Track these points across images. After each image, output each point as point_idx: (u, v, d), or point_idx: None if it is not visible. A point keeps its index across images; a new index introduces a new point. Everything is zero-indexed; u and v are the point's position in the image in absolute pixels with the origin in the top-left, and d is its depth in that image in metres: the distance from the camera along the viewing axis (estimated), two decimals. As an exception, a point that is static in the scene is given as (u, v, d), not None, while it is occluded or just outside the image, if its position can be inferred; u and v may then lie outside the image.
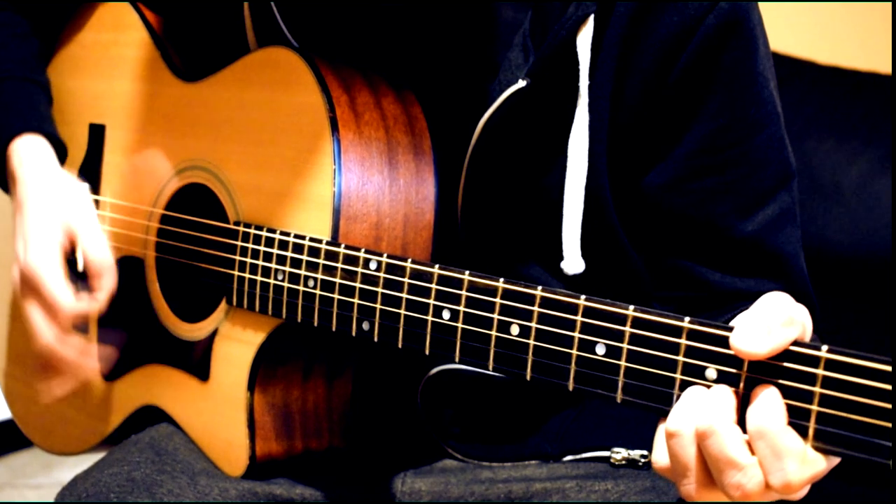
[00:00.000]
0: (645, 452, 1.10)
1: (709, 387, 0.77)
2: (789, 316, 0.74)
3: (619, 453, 1.10)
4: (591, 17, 1.02)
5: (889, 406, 0.67)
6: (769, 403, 0.72)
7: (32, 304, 1.20)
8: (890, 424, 0.67)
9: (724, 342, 0.76)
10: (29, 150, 1.26)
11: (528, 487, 1.10)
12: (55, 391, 1.26)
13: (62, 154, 1.30)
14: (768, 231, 1.07)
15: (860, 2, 2.44)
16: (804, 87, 2.20)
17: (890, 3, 2.36)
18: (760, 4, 1.07)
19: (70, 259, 1.23)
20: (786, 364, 0.72)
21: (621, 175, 1.07)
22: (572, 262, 1.06)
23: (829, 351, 0.70)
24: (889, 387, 0.67)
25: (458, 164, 1.09)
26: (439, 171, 1.09)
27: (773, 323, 0.74)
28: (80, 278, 1.23)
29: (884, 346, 1.87)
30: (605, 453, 1.12)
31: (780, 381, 0.72)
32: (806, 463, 0.71)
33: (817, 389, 0.71)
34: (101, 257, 1.21)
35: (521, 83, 1.03)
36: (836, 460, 0.73)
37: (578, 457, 1.13)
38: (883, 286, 1.99)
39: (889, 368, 0.68)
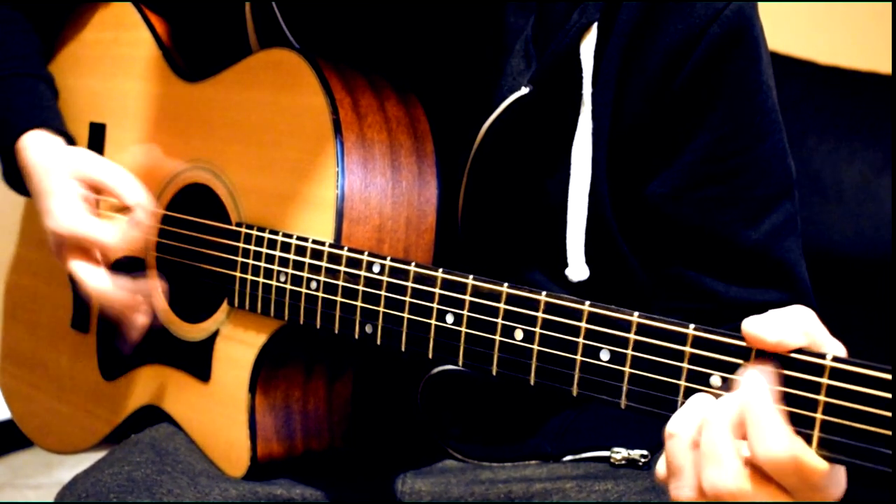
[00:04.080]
0: (645, 452, 1.11)
1: (716, 396, 0.77)
2: (808, 321, 0.74)
3: (620, 453, 1.11)
4: (595, 25, 1.02)
5: (889, 414, 0.67)
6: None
7: (80, 261, 1.20)
8: (890, 433, 0.67)
9: (728, 349, 0.76)
10: (39, 144, 1.26)
11: (528, 487, 1.10)
12: (133, 336, 1.23)
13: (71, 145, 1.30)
14: (773, 239, 1.07)
15: (860, 2, 2.44)
16: (804, 87, 2.20)
17: (890, 3, 2.37)
18: (760, 4, 1.07)
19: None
20: (790, 373, 0.72)
21: (623, 183, 1.07)
22: (577, 269, 1.06)
23: (833, 360, 0.70)
24: (889, 395, 0.67)
25: (460, 168, 1.09)
26: (441, 175, 1.09)
27: (789, 320, 0.73)
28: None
29: (884, 346, 1.87)
30: (606, 453, 1.12)
31: (785, 390, 0.72)
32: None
33: (821, 398, 0.70)
34: (123, 179, 1.20)
35: (524, 90, 1.03)
36: (838, 473, 0.73)
37: (578, 457, 1.13)
38: (883, 286, 1.99)
39: (889, 377, 0.68)
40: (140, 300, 1.20)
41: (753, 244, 1.07)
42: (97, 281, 1.19)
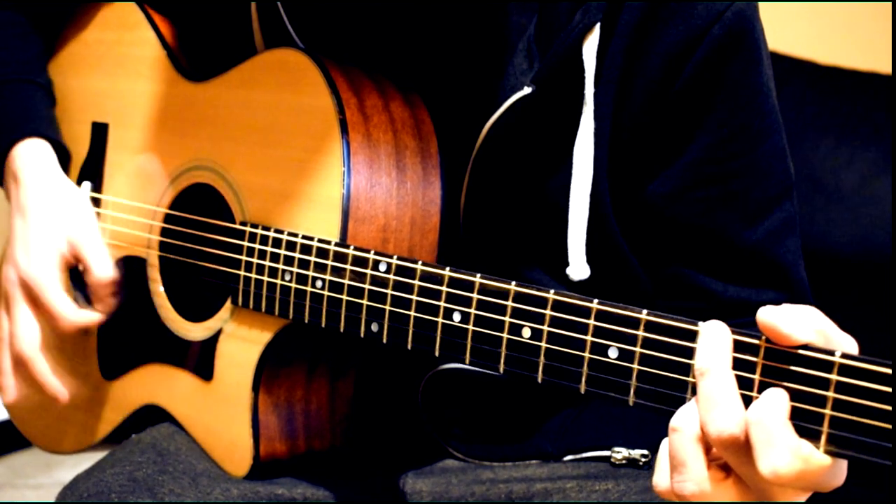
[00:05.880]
0: (646, 452, 1.11)
1: None
2: (819, 320, 0.75)
3: (620, 453, 1.11)
4: (598, 26, 1.02)
5: (889, 408, 0.68)
6: (773, 398, 0.73)
7: (26, 311, 1.22)
8: (890, 426, 0.68)
9: (737, 346, 0.76)
10: (31, 155, 1.26)
11: (528, 487, 1.10)
12: (16, 395, 1.27)
13: (65, 157, 1.30)
14: (772, 240, 1.08)
15: (860, 2, 2.45)
16: (804, 87, 2.20)
17: (890, 3, 2.37)
18: (761, 4, 1.07)
19: (72, 271, 1.24)
20: (800, 369, 0.72)
21: (623, 182, 1.07)
22: (577, 268, 1.06)
23: (842, 356, 0.71)
24: (889, 389, 0.68)
25: (462, 167, 1.10)
26: (445, 178, 1.09)
27: (803, 315, 0.74)
28: (80, 289, 1.25)
29: (884, 345, 1.87)
30: (606, 453, 1.12)
31: (794, 386, 0.73)
32: (798, 457, 0.71)
33: (830, 394, 0.71)
34: (103, 273, 1.22)
35: (527, 89, 1.04)
36: (841, 463, 0.73)
37: (579, 456, 1.14)
38: (883, 286, 1.99)
39: (889, 371, 0.68)
40: (41, 387, 1.23)
41: (752, 245, 1.07)
42: (26, 341, 1.22)
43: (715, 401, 0.74)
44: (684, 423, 0.76)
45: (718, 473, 0.76)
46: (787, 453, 0.71)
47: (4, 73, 1.31)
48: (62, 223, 1.23)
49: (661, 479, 0.79)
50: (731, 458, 0.75)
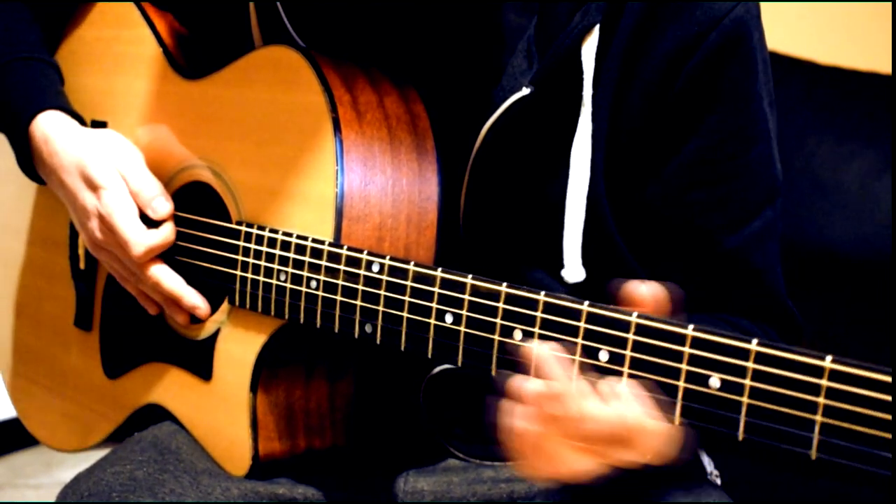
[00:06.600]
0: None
1: (715, 397, 0.77)
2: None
3: (620, 451, 1.11)
4: (597, 27, 1.02)
5: (889, 417, 0.67)
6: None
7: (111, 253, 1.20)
8: (890, 436, 0.67)
9: (728, 351, 0.76)
10: (55, 122, 1.24)
11: (530, 487, 1.10)
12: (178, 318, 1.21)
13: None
14: (750, 246, 1.09)
15: (860, 2, 2.44)
16: (804, 87, 2.19)
17: (890, 3, 2.36)
18: (761, 4, 1.07)
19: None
20: (790, 374, 0.72)
21: (621, 184, 1.07)
22: (573, 270, 1.06)
23: (832, 361, 0.71)
24: (889, 397, 0.68)
25: (462, 167, 1.10)
26: (442, 172, 1.09)
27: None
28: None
29: (883, 345, 1.87)
30: (606, 451, 1.12)
31: (784, 391, 0.73)
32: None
33: (821, 400, 0.71)
34: (154, 189, 1.18)
35: (526, 90, 1.04)
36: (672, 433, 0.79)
37: (579, 455, 1.14)
38: (883, 286, 1.98)
39: (888, 379, 0.68)
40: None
41: (730, 249, 1.08)
42: (137, 253, 1.17)
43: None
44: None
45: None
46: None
47: (15, 51, 1.30)
48: (113, 162, 1.19)
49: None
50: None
